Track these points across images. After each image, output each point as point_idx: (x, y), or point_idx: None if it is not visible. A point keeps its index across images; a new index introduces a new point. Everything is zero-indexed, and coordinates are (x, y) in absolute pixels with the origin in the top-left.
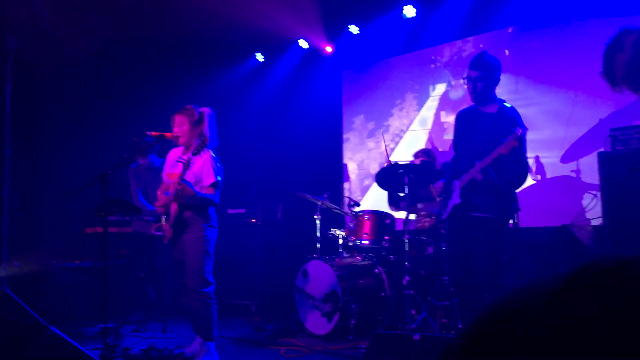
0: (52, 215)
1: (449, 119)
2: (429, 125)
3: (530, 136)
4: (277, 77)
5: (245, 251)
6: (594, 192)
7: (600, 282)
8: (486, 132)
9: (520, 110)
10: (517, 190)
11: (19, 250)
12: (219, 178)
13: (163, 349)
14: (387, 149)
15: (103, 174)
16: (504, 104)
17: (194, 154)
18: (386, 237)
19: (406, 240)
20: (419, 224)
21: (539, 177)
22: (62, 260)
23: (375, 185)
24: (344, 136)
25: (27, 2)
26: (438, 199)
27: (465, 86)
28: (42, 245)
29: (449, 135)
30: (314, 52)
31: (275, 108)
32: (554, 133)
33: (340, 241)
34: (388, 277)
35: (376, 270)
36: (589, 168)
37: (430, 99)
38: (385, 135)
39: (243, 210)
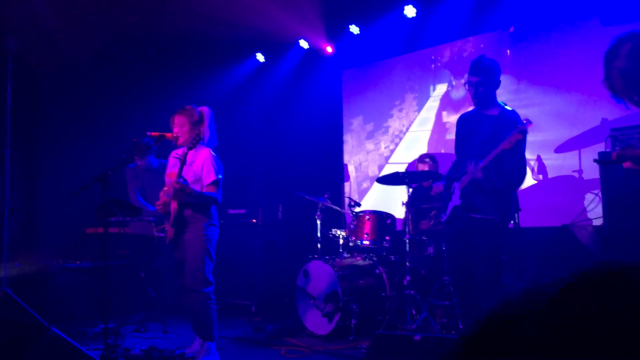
0: (52, 216)
1: (451, 119)
2: (430, 126)
3: (532, 137)
4: (277, 77)
5: (246, 251)
6: (595, 192)
7: (601, 287)
8: (487, 135)
9: (521, 111)
10: (517, 190)
11: (19, 250)
12: (220, 176)
13: (164, 349)
14: (386, 151)
15: (103, 175)
16: (505, 107)
17: (189, 149)
18: (387, 238)
19: (407, 241)
20: (420, 225)
21: (540, 176)
22: (63, 261)
23: (373, 188)
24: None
25: (27, 2)
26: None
27: (467, 89)
28: (43, 245)
29: (451, 135)
30: (314, 52)
31: (276, 108)
32: (555, 134)
33: (341, 241)
34: (389, 277)
35: (377, 271)
36: (591, 167)
37: (431, 99)
38: (385, 137)
39: (243, 211)
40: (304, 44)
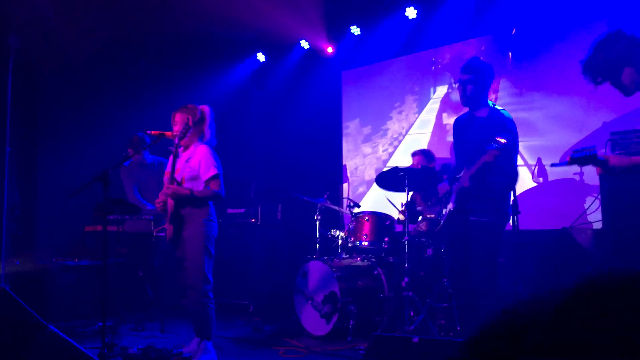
0: (52, 213)
1: (451, 120)
2: (430, 128)
3: (533, 142)
4: (277, 77)
5: (245, 251)
6: (595, 195)
7: (607, 295)
8: (476, 137)
9: (523, 115)
10: (515, 192)
11: (18, 248)
12: (219, 171)
13: (161, 349)
14: (385, 154)
15: (104, 173)
16: (495, 106)
17: (180, 139)
18: (386, 239)
19: (405, 242)
20: (418, 227)
21: (540, 179)
22: (61, 259)
23: (372, 190)
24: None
25: (29, 1)
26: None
27: (457, 88)
28: (41, 243)
29: (452, 137)
30: (314, 52)
31: (276, 108)
32: (557, 138)
33: (340, 242)
34: (387, 279)
35: (375, 272)
36: (591, 171)
37: (431, 101)
38: (383, 139)
39: (242, 210)
40: (304, 44)
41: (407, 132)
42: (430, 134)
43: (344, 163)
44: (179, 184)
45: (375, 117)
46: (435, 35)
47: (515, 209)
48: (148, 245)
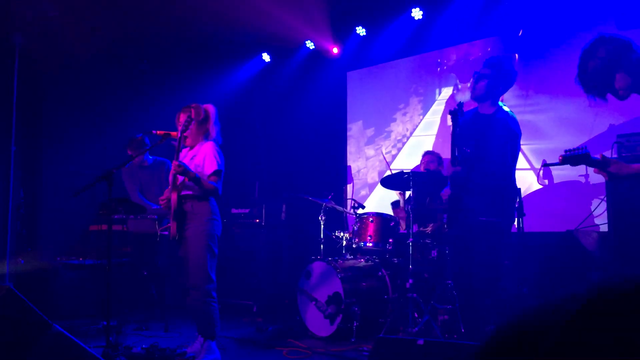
0: (56, 212)
1: None
2: (435, 130)
3: (539, 144)
4: (283, 78)
5: (249, 251)
6: (601, 197)
7: (621, 303)
8: (480, 134)
9: (529, 117)
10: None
11: (23, 247)
12: (221, 167)
13: (165, 348)
14: (388, 157)
15: (108, 173)
16: (503, 107)
17: (182, 132)
18: (390, 240)
19: (410, 244)
20: (423, 228)
21: (546, 181)
22: (66, 258)
23: (374, 193)
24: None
25: (33, 0)
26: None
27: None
28: (46, 242)
29: None
30: (320, 53)
31: (280, 108)
32: (563, 141)
33: (344, 243)
34: (391, 280)
35: (379, 273)
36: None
37: (436, 102)
38: (387, 141)
39: (247, 210)
40: (309, 44)
41: (411, 133)
42: (435, 136)
43: (348, 164)
44: (183, 182)
45: (379, 118)
46: (441, 36)
47: (520, 211)
48: (152, 245)
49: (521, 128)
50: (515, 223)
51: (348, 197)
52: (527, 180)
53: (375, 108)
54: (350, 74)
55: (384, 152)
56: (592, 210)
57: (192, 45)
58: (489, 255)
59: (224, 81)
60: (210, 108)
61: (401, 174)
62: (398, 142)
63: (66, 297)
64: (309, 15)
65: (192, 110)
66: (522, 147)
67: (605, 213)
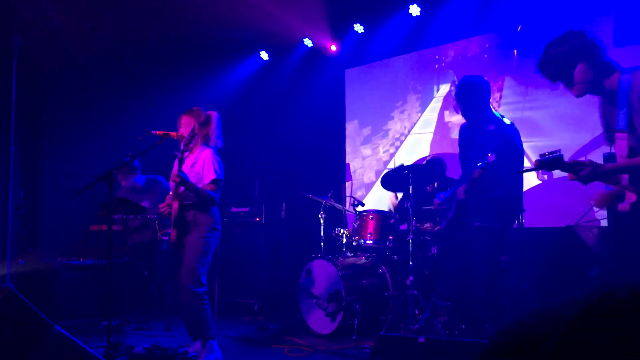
0: (56, 213)
1: (453, 118)
2: (433, 127)
3: (538, 142)
4: (281, 76)
5: (249, 250)
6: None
7: (620, 312)
8: (483, 148)
9: (528, 114)
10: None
11: (23, 247)
12: (220, 176)
13: (167, 348)
14: (386, 155)
15: (108, 173)
16: (503, 119)
17: (186, 145)
18: (390, 237)
19: (410, 241)
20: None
21: (545, 177)
22: (66, 258)
23: (371, 193)
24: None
25: (33, 0)
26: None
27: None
28: (47, 242)
29: (455, 134)
30: (318, 51)
31: (279, 107)
32: (562, 138)
33: (344, 240)
34: (392, 277)
35: (380, 270)
36: None
37: (434, 99)
38: (384, 140)
39: (247, 209)
40: (308, 42)
41: (409, 131)
42: (432, 133)
43: (347, 161)
44: (184, 191)
45: (376, 117)
46: (439, 32)
47: (520, 208)
48: (153, 245)
49: (521, 125)
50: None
51: (347, 194)
52: (526, 176)
53: (372, 106)
54: (349, 72)
55: (381, 150)
56: (592, 205)
57: (191, 45)
58: (486, 259)
59: (223, 80)
60: (214, 114)
61: (401, 167)
62: (396, 140)
63: (67, 297)
64: (307, 13)
65: (196, 125)
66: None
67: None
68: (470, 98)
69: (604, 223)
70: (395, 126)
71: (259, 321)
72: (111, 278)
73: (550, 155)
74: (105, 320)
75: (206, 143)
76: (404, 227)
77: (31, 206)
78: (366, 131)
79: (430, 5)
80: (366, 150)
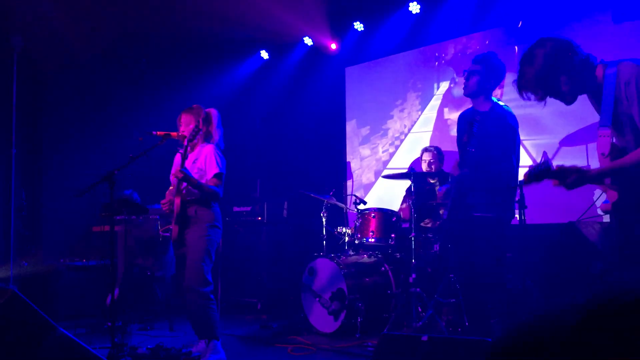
0: (59, 214)
1: (452, 115)
2: (432, 125)
3: (540, 139)
4: (281, 75)
5: (251, 249)
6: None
7: (625, 314)
8: (479, 132)
9: (529, 111)
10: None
11: (26, 249)
12: (222, 170)
13: (170, 348)
14: (385, 155)
15: (110, 174)
16: (499, 102)
17: (189, 141)
18: (392, 235)
19: (412, 238)
20: (424, 223)
21: None
22: (69, 259)
23: (370, 193)
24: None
25: (33, 1)
26: (441, 212)
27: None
28: (49, 243)
29: (454, 132)
30: (318, 49)
31: (280, 105)
32: (562, 134)
33: (347, 239)
34: (394, 275)
35: (382, 268)
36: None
37: (434, 97)
38: (383, 140)
39: (249, 208)
40: (308, 41)
41: (409, 130)
42: (432, 131)
43: (347, 160)
44: (187, 187)
45: (375, 116)
46: (439, 29)
47: (522, 203)
48: (155, 245)
49: (522, 123)
50: (517, 215)
51: (348, 193)
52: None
53: (372, 105)
54: (349, 70)
55: (380, 149)
56: (594, 200)
57: (191, 44)
58: (488, 249)
59: (223, 79)
60: (213, 111)
61: (402, 175)
62: (396, 139)
63: (70, 298)
64: (307, 11)
65: (200, 120)
66: (523, 142)
67: None
68: (491, 71)
69: (606, 219)
70: (395, 125)
71: (262, 320)
72: (114, 278)
73: (538, 168)
74: (109, 321)
75: (207, 141)
76: (405, 225)
77: (33, 207)
78: (364, 131)
79: (430, 3)
80: (365, 151)
